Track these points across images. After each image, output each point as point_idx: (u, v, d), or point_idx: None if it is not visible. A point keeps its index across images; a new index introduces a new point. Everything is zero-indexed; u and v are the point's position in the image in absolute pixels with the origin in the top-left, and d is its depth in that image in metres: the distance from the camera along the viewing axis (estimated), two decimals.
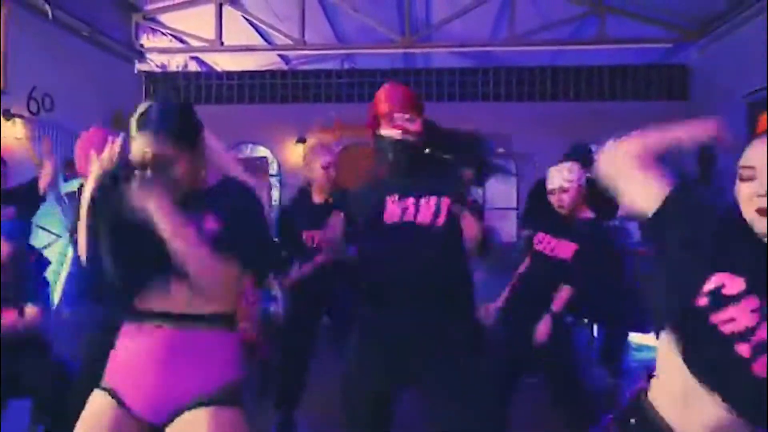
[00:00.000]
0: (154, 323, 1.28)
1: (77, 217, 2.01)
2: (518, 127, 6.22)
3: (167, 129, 1.32)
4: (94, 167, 1.34)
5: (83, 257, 1.34)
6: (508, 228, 6.13)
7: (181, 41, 6.79)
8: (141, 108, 1.38)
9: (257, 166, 6.65)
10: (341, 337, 3.44)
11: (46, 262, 2.92)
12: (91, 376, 2.10)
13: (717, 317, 0.97)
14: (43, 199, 3.78)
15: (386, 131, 1.90)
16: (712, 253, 1.04)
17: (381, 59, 7.34)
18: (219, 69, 7.53)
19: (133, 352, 1.30)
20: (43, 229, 4.60)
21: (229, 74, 6.82)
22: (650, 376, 1.14)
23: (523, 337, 2.55)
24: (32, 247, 3.03)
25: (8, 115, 4.39)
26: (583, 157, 3.65)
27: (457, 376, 1.73)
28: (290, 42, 6.39)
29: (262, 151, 6.79)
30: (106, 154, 1.33)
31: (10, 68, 4.42)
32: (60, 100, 5.01)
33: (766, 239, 1.01)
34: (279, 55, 7.44)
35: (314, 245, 3.22)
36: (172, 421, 1.25)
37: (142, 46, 6.45)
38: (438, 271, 1.79)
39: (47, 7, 4.81)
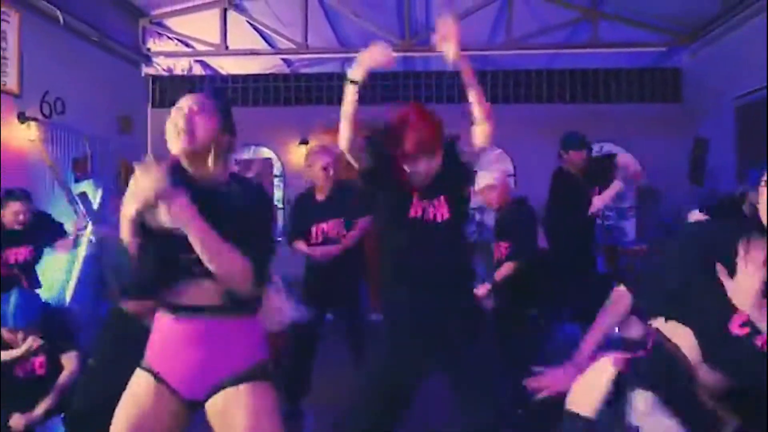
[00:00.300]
0: (188, 315, 1.43)
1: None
2: (516, 129, 6.34)
3: (216, 102, 1.51)
4: (136, 189, 1.36)
5: (132, 253, 1.43)
6: None
7: (187, 45, 6.94)
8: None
9: (261, 167, 6.80)
10: (345, 331, 3.61)
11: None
12: (106, 365, 2.26)
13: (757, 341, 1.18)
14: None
15: (411, 167, 2.05)
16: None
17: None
18: (224, 72, 7.67)
19: (172, 339, 1.45)
20: None
21: (234, 77, 6.96)
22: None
23: None
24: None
25: (23, 119, 4.53)
26: (579, 144, 3.85)
27: (476, 353, 1.99)
28: (293, 46, 6.54)
29: (266, 153, 6.93)
30: (146, 182, 1.33)
31: (24, 73, 4.57)
32: (71, 103, 5.15)
33: None
34: (282, 59, 7.59)
35: (320, 239, 3.39)
36: (211, 397, 1.42)
37: (148, 50, 6.60)
38: (450, 259, 2.07)
39: (59, 13, 4.96)
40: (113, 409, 2.09)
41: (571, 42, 6.58)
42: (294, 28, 6.44)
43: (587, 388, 1.36)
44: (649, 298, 1.39)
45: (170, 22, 6.67)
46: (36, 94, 4.74)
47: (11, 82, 4.44)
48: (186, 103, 1.45)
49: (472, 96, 1.98)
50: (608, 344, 1.45)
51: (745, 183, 2.77)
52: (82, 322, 4.36)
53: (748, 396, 1.18)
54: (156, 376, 1.44)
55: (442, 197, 2.09)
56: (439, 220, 2.06)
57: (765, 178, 1.24)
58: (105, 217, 5.22)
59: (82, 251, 5.00)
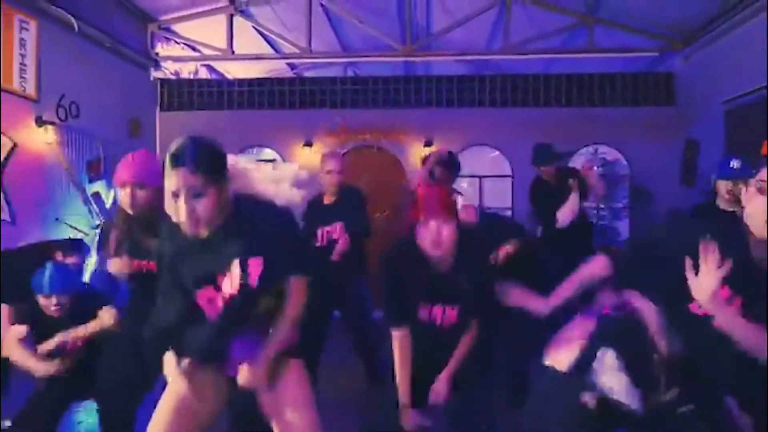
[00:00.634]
0: None
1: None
2: (513, 132, 6.54)
3: (199, 164, 1.49)
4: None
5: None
6: None
7: (194, 50, 7.12)
8: (174, 146, 1.52)
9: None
10: (351, 330, 3.76)
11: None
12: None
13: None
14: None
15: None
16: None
17: (383, 67, 7.66)
18: (230, 76, 7.86)
19: None
20: (71, 227, 4.93)
21: (240, 81, 7.13)
22: None
23: None
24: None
25: (40, 122, 4.72)
26: (547, 159, 4.01)
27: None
28: (297, 50, 6.73)
29: (271, 155, 7.10)
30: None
31: (41, 78, 4.76)
32: (84, 107, 5.34)
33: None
34: (286, 63, 7.79)
35: (324, 242, 3.55)
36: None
37: (157, 54, 6.78)
38: None
39: (73, 20, 5.14)
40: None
41: (568, 47, 6.75)
42: (298, 33, 6.62)
43: (563, 345, 1.56)
44: (628, 271, 1.58)
45: (178, 27, 6.85)
46: (52, 98, 4.93)
47: (30, 88, 4.63)
48: (181, 189, 1.49)
49: None
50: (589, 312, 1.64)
51: (716, 172, 2.95)
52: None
53: (696, 368, 1.37)
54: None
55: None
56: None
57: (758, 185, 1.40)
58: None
59: (94, 248, 5.18)
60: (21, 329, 2.65)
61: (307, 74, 8.31)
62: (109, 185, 5.66)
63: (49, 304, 2.65)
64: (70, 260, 3.94)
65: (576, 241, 3.87)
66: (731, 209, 2.82)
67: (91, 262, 4.91)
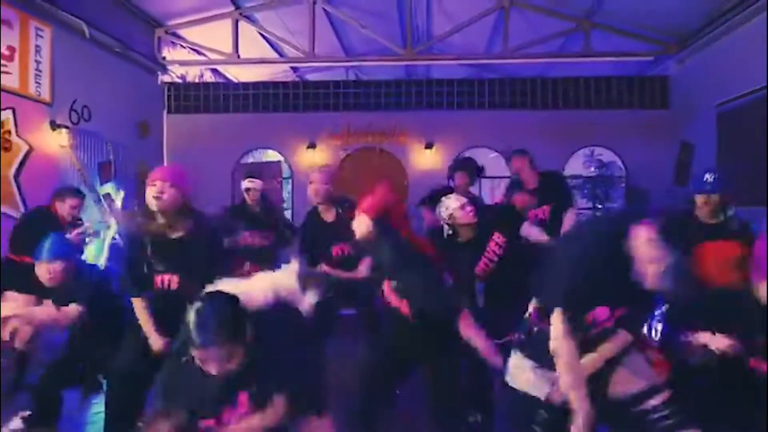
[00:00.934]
0: None
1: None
2: (512, 134, 6.67)
3: (225, 339, 1.66)
4: None
5: None
6: None
7: (199, 54, 7.29)
8: (194, 316, 1.68)
9: (271, 170, 7.14)
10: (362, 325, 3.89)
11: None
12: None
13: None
14: None
15: None
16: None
17: (384, 70, 7.82)
18: (235, 80, 8.02)
19: None
20: None
21: (245, 84, 7.28)
22: None
23: None
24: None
25: (54, 126, 4.88)
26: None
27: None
28: (301, 54, 6.88)
29: (275, 156, 7.25)
30: None
31: (54, 83, 4.92)
32: (95, 110, 5.50)
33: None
34: (289, 66, 7.95)
35: (343, 256, 3.55)
36: None
37: (164, 58, 6.93)
38: None
39: (84, 26, 5.31)
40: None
41: (565, 51, 6.91)
42: (301, 37, 6.78)
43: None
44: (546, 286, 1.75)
45: (184, 32, 7.01)
46: (65, 102, 5.10)
47: (45, 93, 4.80)
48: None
49: None
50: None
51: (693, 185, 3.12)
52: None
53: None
54: None
55: None
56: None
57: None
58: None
59: (107, 247, 5.35)
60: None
61: (310, 77, 8.48)
62: (119, 187, 5.83)
63: (44, 272, 2.80)
64: (73, 233, 4.03)
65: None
66: (711, 221, 2.99)
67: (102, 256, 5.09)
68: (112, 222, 5.31)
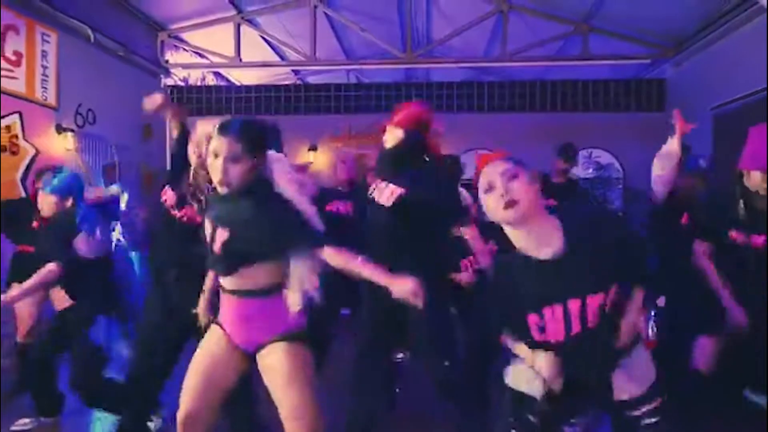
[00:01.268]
0: (233, 296, 1.86)
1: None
2: (510, 136, 6.75)
3: (239, 135, 1.76)
4: None
5: None
6: None
7: (203, 57, 7.36)
8: (225, 119, 1.81)
9: None
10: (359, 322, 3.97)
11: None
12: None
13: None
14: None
15: None
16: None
17: (385, 73, 7.90)
18: (237, 83, 8.10)
19: (227, 311, 1.90)
20: None
21: (247, 87, 7.36)
22: None
23: None
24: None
25: (60, 129, 4.96)
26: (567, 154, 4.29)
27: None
28: (302, 58, 6.96)
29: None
30: None
31: (60, 87, 5.00)
32: (99, 114, 5.59)
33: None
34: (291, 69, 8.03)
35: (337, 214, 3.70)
36: (259, 351, 1.86)
37: (167, 62, 7.01)
38: None
39: (89, 31, 5.39)
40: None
41: (563, 54, 6.98)
42: (302, 40, 6.86)
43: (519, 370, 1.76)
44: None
45: (187, 36, 7.09)
46: (71, 106, 5.18)
47: (51, 97, 4.88)
48: (222, 153, 1.74)
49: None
50: None
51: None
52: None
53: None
54: (224, 331, 1.90)
55: None
56: None
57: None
58: (130, 218, 5.66)
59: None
60: None
61: (311, 80, 8.56)
62: (124, 189, 5.90)
63: (40, 202, 2.92)
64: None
65: None
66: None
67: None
68: (116, 224, 5.38)
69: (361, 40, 7.19)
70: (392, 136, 2.49)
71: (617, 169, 6.93)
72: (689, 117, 5.94)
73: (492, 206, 1.52)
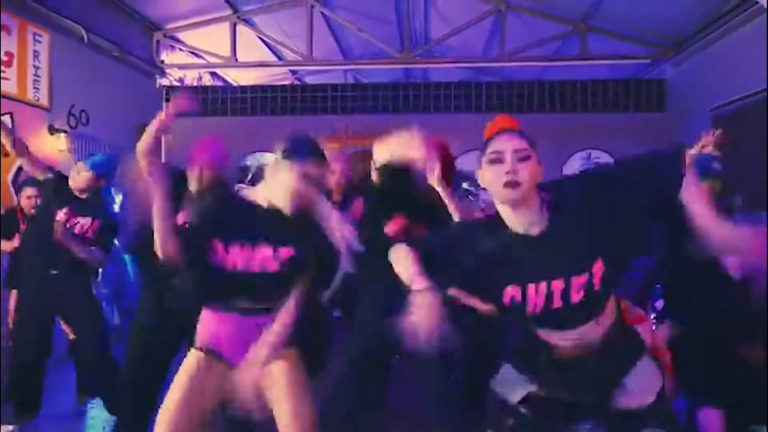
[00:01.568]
0: (244, 314, 1.83)
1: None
2: None
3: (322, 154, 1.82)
4: None
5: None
6: None
7: (198, 57, 7.32)
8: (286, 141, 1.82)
9: None
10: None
11: None
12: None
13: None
14: None
15: None
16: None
17: (383, 73, 7.85)
18: (234, 83, 8.05)
19: (229, 329, 1.85)
20: None
21: (243, 88, 7.31)
22: None
23: None
24: None
25: (52, 130, 4.92)
26: None
27: None
28: (299, 58, 6.92)
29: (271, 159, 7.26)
30: None
31: (53, 88, 4.95)
32: (93, 114, 5.54)
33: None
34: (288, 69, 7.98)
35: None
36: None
37: (162, 62, 6.97)
38: None
39: (83, 31, 5.34)
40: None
41: (562, 54, 6.93)
42: (299, 40, 6.81)
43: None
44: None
45: (183, 36, 7.04)
46: (64, 107, 5.13)
47: (43, 97, 4.83)
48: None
49: None
50: None
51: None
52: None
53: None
54: (209, 351, 1.83)
55: None
56: None
57: None
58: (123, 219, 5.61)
59: None
60: None
61: (308, 80, 8.51)
62: (117, 190, 5.85)
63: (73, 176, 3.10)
64: None
65: None
66: None
67: None
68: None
69: (358, 39, 7.14)
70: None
71: None
72: (688, 117, 5.93)
73: (492, 179, 1.43)
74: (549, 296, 1.43)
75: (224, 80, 8.23)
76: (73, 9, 5.21)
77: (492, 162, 1.44)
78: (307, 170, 1.75)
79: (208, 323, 1.88)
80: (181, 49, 7.18)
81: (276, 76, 8.20)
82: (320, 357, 3.74)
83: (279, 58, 7.53)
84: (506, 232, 1.46)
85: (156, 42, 6.88)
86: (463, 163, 6.03)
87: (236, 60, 6.87)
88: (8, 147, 3.02)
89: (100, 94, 5.68)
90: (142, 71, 6.66)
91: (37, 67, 4.74)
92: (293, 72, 8.35)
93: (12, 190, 4.52)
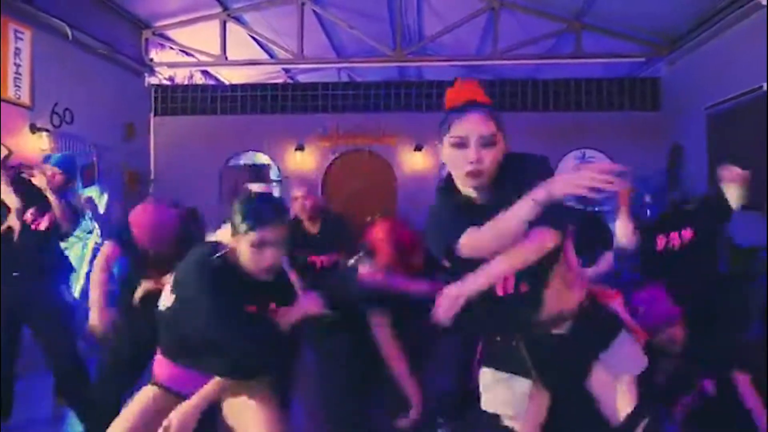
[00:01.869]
0: None
1: None
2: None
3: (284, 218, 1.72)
4: None
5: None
6: None
7: (187, 55, 7.23)
8: (245, 201, 1.68)
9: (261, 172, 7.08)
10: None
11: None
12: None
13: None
14: None
15: None
16: None
17: (377, 71, 7.77)
18: (226, 81, 7.96)
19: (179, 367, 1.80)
20: None
21: (233, 86, 7.23)
22: None
23: None
24: None
25: (34, 129, 4.83)
26: None
27: None
28: (290, 56, 6.83)
29: (263, 159, 7.18)
30: None
31: (35, 86, 4.86)
32: (78, 113, 5.45)
33: None
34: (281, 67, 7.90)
35: (320, 269, 3.41)
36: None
37: (151, 60, 6.88)
38: None
39: (67, 28, 5.25)
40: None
41: (556, 52, 6.86)
42: (290, 38, 6.72)
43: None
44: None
45: (172, 34, 6.95)
46: (46, 105, 5.04)
47: (24, 96, 4.75)
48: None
49: None
50: None
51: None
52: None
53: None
54: (162, 386, 1.80)
55: None
56: None
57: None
58: (108, 219, 5.54)
59: (89, 253, 5.29)
60: None
61: (301, 78, 8.42)
62: (102, 190, 5.77)
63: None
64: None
65: None
66: None
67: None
68: (95, 227, 5.25)
69: (351, 37, 7.06)
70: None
71: None
72: (683, 116, 5.86)
73: (454, 164, 1.38)
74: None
75: (217, 79, 8.14)
76: (60, 7, 5.13)
77: (455, 146, 1.38)
78: (264, 236, 1.63)
79: (165, 362, 1.84)
80: (171, 48, 7.09)
81: (269, 74, 8.11)
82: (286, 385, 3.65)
83: (271, 56, 7.45)
84: (458, 196, 1.45)
85: (145, 40, 6.79)
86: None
87: (226, 58, 6.78)
88: None
89: (86, 93, 5.59)
90: (131, 69, 6.57)
91: (18, 65, 4.65)
92: (287, 70, 8.27)
93: None
